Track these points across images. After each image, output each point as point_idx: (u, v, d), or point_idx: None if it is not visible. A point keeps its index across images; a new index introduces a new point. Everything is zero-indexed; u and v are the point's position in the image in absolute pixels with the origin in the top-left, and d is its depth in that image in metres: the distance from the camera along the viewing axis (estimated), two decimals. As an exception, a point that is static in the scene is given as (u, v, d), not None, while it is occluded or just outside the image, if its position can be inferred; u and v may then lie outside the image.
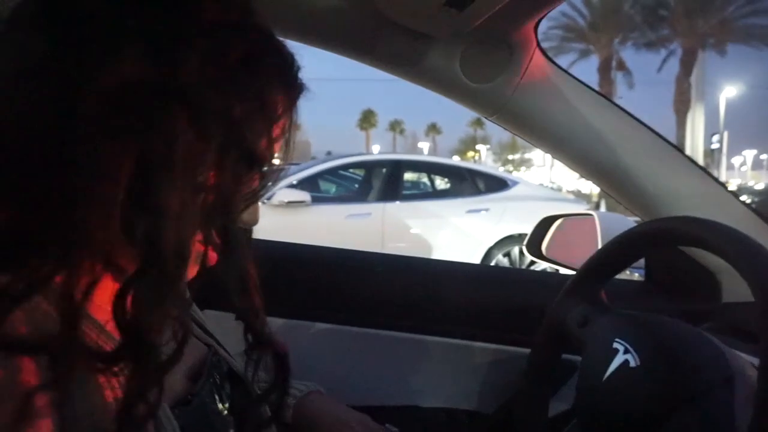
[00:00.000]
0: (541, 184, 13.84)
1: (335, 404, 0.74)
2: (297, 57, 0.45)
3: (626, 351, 0.59)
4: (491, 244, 4.93)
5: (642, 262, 1.09)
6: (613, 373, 0.59)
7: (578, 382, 0.65)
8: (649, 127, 0.90)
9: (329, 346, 1.00)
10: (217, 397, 0.53)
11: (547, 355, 0.77)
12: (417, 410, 1.01)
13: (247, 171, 0.40)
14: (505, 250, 4.92)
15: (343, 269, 1.09)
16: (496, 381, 1.02)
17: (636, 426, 0.55)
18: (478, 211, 5.06)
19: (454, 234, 4.93)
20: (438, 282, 1.08)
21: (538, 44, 0.83)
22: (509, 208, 4.98)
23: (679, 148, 0.94)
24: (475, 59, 0.81)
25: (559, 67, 0.87)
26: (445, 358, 1.03)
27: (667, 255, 1.01)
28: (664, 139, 0.91)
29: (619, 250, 0.70)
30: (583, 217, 1.22)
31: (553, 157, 1.02)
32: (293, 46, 0.46)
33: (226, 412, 0.54)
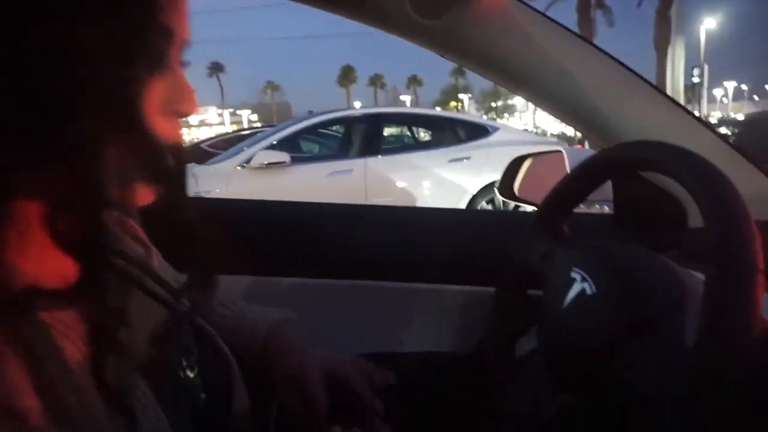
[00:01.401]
0: (525, 129, 13.76)
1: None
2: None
3: (583, 279, 0.58)
4: (474, 192, 4.95)
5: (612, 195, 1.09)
6: (570, 302, 0.59)
7: (540, 314, 0.65)
8: (612, 57, 0.88)
9: (299, 299, 1.00)
10: (185, 363, 0.52)
11: (511, 291, 0.77)
12: (393, 356, 1.01)
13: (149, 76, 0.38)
14: (489, 197, 4.94)
15: (308, 223, 1.08)
16: (471, 322, 1.02)
17: (594, 353, 0.55)
18: (460, 159, 5.04)
19: (437, 184, 4.92)
20: (407, 228, 1.08)
21: (490, -27, 0.79)
22: (491, 154, 4.97)
23: (643, 77, 0.92)
24: (424, -6, 0.78)
25: (514, -3, 0.83)
26: (418, 304, 1.03)
27: (633, 185, 1.00)
28: (627, 68, 0.89)
29: (577, 181, 0.69)
30: (552, 154, 1.21)
31: (513, 92, 1.00)
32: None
33: (194, 377, 0.53)
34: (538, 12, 0.85)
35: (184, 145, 0.49)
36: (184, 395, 0.50)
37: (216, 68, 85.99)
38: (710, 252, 0.45)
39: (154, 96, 0.39)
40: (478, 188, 4.94)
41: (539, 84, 0.89)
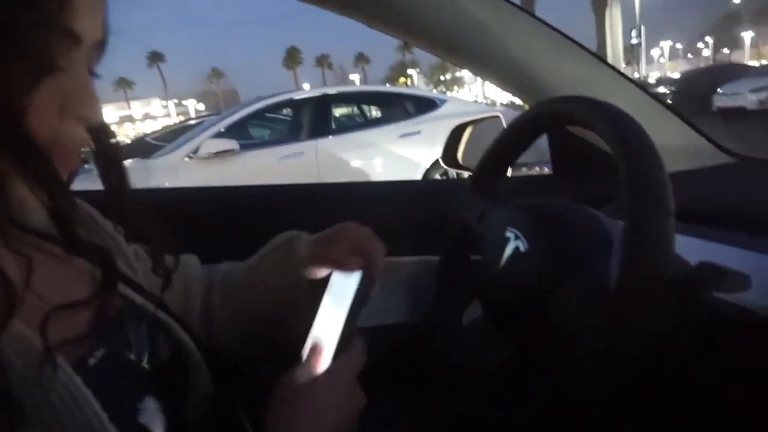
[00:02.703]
0: (475, 101, 13.87)
1: None
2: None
3: (516, 237, 0.60)
4: (428, 165, 4.97)
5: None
6: (506, 260, 0.60)
7: (479, 275, 0.66)
8: (544, 22, 0.89)
9: None
10: (135, 351, 0.51)
11: (453, 257, 0.78)
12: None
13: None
14: (442, 170, 4.97)
15: (257, 205, 1.07)
16: (421, 291, 1.03)
17: (528, 304, 0.56)
18: (411, 134, 5.05)
19: (389, 160, 4.93)
20: (357, 203, 1.08)
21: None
22: (441, 127, 4.96)
23: (574, 40, 0.94)
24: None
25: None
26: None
27: (569, 144, 1.02)
28: (559, 32, 0.91)
29: (506, 142, 0.70)
30: (491, 119, 1.23)
31: (451, 63, 1.00)
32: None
33: (146, 366, 0.51)
34: None
35: (115, 140, 0.48)
36: (132, 385, 0.49)
37: (156, 58, 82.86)
38: (626, 200, 0.46)
39: (48, 100, 0.37)
40: (431, 161, 4.97)
41: (475, 53, 0.89)
